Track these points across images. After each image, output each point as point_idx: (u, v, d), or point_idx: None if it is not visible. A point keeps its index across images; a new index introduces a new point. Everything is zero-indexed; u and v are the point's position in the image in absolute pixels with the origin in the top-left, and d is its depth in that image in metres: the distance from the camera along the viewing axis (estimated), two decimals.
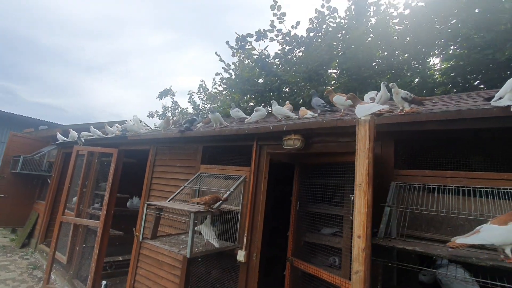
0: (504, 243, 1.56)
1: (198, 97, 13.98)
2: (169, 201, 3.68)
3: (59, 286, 5.52)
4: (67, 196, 5.62)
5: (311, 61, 7.72)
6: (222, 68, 9.83)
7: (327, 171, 3.08)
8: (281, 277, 3.52)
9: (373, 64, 7.53)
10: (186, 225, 3.77)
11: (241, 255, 3.30)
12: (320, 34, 8.58)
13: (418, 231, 2.28)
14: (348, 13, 8.18)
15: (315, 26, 8.55)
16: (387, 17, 7.49)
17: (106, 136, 6.17)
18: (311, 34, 8.58)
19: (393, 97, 2.53)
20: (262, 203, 3.41)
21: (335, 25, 8.31)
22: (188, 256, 2.81)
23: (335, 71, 8.79)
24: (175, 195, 3.77)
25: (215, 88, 12.66)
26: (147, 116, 16.10)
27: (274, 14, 8.31)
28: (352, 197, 1.97)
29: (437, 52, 7.22)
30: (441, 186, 2.20)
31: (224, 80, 10.24)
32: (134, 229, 4.75)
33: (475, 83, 6.46)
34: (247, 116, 4.61)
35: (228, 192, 3.32)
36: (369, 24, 7.78)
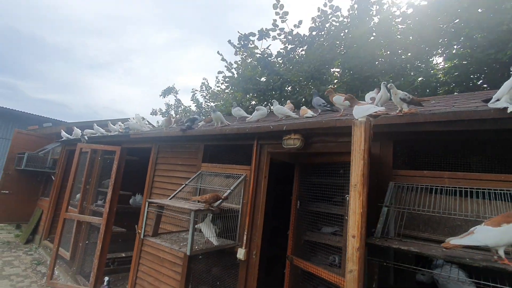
0: (497, 244, 1.58)
1: (201, 95, 14.07)
2: (170, 199, 3.72)
3: (62, 282, 5.61)
4: (71, 193, 5.69)
5: (314, 60, 7.71)
6: (225, 66, 9.86)
7: (327, 170, 3.10)
8: (282, 276, 3.55)
9: (376, 63, 7.51)
10: (187, 223, 3.82)
11: (241, 253, 3.34)
12: (322, 33, 8.58)
13: (416, 231, 2.29)
14: (351, 12, 8.17)
15: (317, 25, 8.55)
16: (390, 16, 7.47)
17: (109, 134, 6.23)
18: (314, 33, 8.58)
19: (391, 97, 2.54)
20: (262, 201, 3.44)
21: (337, 24, 8.31)
22: (188, 253, 2.85)
23: (338, 70, 8.79)
24: (176, 193, 3.81)
25: (218, 87, 12.68)
26: (151, 114, 16.25)
27: (277, 13, 8.32)
28: (347, 198, 1.99)
29: (440, 51, 7.18)
30: (438, 186, 2.22)
31: (227, 79, 10.27)
32: (136, 226, 4.81)
33: (479, 83, 6.43)
34: (248, 115, 4.62)
35: (229, 191, 3.35)
36: (372, 23, 7.77)
